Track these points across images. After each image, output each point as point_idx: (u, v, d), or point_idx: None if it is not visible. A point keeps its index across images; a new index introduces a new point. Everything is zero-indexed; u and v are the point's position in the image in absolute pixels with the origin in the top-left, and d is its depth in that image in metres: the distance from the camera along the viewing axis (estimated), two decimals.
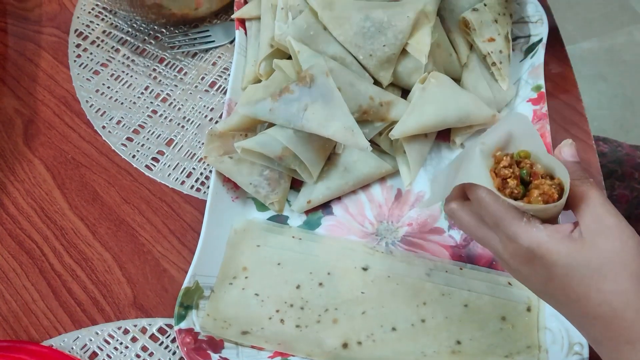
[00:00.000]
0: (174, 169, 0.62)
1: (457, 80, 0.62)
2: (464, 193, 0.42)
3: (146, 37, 0.71)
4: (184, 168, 0.62)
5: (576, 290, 0.36)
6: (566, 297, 0.37)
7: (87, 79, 0.68)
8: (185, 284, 0.52)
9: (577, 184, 0.38)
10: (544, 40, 0.63)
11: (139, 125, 0.65)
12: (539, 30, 0.64)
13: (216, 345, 0.51)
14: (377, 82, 0.60)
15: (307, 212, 0.59)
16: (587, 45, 1.64)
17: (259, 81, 0.64)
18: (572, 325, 0.39)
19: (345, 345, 0.52)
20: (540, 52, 0.62)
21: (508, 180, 0.38)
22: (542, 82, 0.61)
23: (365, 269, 0.55)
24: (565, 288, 0.36)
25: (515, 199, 0.38)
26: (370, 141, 0.56)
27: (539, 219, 0.37)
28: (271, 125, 0.57)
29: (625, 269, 0.34)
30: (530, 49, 0.64)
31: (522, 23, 0.66)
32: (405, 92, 0.62)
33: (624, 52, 1.64)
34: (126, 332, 0.54)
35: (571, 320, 0.38)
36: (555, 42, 0.67)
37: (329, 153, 0.59)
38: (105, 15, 0.73)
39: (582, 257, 0.35)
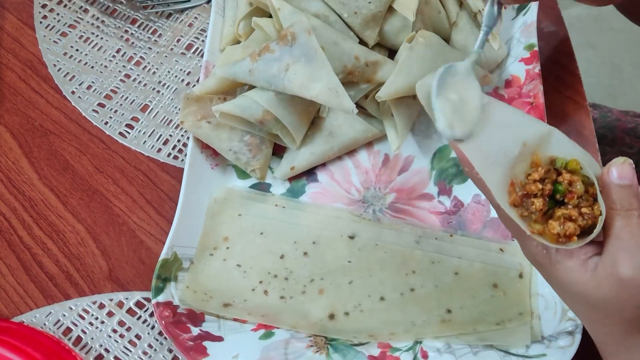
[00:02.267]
0: (149, 136, 0.59)
1: (447, 39, 0.59)
2: None
3: None
4: (160, 135, 0.59)
5: (568, 302, 0.37)
6: (561, 297, 0.38)
7: (54, 41, 0.64)
8: (163, 255, 0.49)
9: (613, 215, 0.33)
10: None
11: (111, 90, 0.62)
12: None
13: (196, 318, 0.49)
14: (362, 42, 0.57)
15: (290, 179, 0.56)
16: (576, 12, 1.61)
17: (238, 42, 0.60)
18: None
19: (332, 316, 0.50)
20: (533, 10, 0.60)
21: (533, 200, 0.33)
22: (534, 40, 0.58)
23: (351, 238, 0.53)
24: (559, 293, 0.37)
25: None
26: (356, 104, 0.53)
27: None
28: (251, 87, 0.54)
29: (620, 313, 0.34)
30: (523, 7, 0.61)
31: None
32: (392, 53, 0.59)
33: (613, 19, 1.62)
34: (102, 306, 0.51)
35: None
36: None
37: (312, 116, 0.56)
38: None
39: (581, 288, 0.34)
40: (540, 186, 0.33)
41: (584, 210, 0.33)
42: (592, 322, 0.36)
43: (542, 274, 0.37)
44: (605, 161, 0.75)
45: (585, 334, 0.46)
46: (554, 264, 0.34)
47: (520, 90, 0.58)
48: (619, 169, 0.33)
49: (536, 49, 0.58)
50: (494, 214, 0.54)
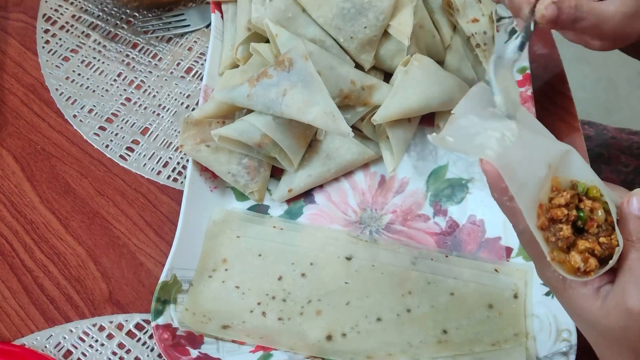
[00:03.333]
0: (149, 158, 0.60)
1: (441, 62, 0.60)
2: None
3: (118, 22, 0.68)
4: (160, 157, 0.60)
5: (578, 325, 0.37)
6: (572, 318, 0.38)
7: (56, 65, 0.65)
8: (162, 278, 0.50)
9: (629, 246, 0.33)
10: None
11: (112, 114, 0.63)
12: None
13: (195, 340, 0.49)
14: (358, 66, 0.58)
15: (288, 201, 0.57)
16: None
17: (237, 66, 0.61)
18: None
19: (329, 337, 0.50)
20: None
21: (561, 225, 0.33)
22: (527, 63, 0.60)
23: (349, 259, 0.54)
24: (570, 315, 0.37)
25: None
26: (352, 127, 0.54)
27: None
28: (249, 111, 0.55)
29: (626, 343, 0.34)
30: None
31: None
32: (387, 76, 0.60)
33: None
34: (102, 329, 0.52)
35: None
36: None
37: (309, 139, 0.57)
38: None
39: (591, 315, 0.34)
40: (566, 212, 0.33)
41: (602, 239, 0.33)
42: (600, 347, 0.37)
43: (555, 296, 0.38)
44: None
45: (579, 356, 0.46)
46: (568, 289, 0.35)
47: None
48: None
49: (528, 72, 0.59)
50: (489, 234, 0.55)
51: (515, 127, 0.36)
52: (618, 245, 0.33)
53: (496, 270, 0.53)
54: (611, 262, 0.33)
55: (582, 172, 0.35)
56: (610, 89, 1.55)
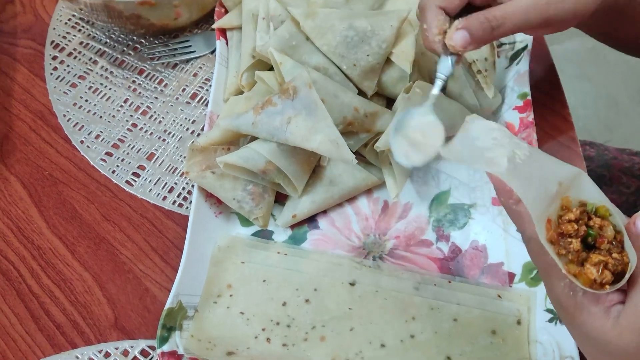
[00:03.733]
0: (155, 184, 0.61)
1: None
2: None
3: (125, 48, 0.69)
4: (166, 183, 0.61)
5: (585, 348, 0.37)
6: (577, 341, 0.38)
7: (64, 92, 0.66)
8: (168, 304, 0.50)
9: (638, 265, 0.34)
10: (529, 47, 0.62)
11: (119, 140, 0.64)
12: (524, 37, 0.64)
13: None
14: (361, 92, 0.59)
15: (292, 227, 0.58)
16: (571, 45, 1.64)
17: (241, 92, 0.62)
18: None
19: None
20: (526, 59, 0.62)
21: (570, 239, 0.34)
22: (527, 89, 0.60)
23: (352, 284, 0.54)
24: (577, 338, 0.38)
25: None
26: (355, 152, 0.55)
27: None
28: (254, 138, 0.56)
29: None
30: (516, 56, 0.64)
31: None
32: (390, 102, 0.61)
33: (608, 51, 1.64)
34: (107, 355, 0.52)
35: None
36: (540, 47, 0.67)
37: (313, 166, 0.57)
38: (82, 26, 0.71)
39: (602, 336, 0.34)
40: (575, 226, 0.34)
41: (614, 255, 0.34)
42: None
43: (562, 317, 0.37)
44: None
45: None
46: (579, 308, 0.35)
47: None
48: None
49: (529, 97, 0.60)
50: (491, 260, 0.55)
51: (526, 146, 0.37)
52: (630, 261, 0.34)
53: (499, 296, 0.53)
54: (626, 277, 0.33)
55: (592, 195, 0.36)
56: (611, 105, 1.56)
